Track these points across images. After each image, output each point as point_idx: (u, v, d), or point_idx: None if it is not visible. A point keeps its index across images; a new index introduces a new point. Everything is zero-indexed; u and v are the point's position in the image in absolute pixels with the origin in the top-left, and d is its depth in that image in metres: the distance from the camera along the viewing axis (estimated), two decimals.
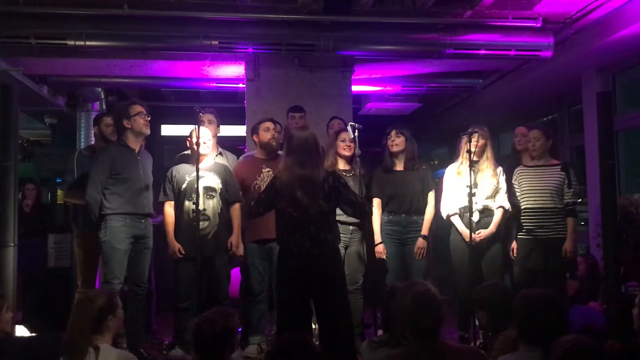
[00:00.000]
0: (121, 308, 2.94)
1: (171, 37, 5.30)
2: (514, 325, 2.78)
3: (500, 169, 4.76)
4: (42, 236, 5.88)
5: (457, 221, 4.68)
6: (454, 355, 2.53)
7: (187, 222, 4.48)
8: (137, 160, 4.47)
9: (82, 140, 7.38)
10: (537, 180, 4.67)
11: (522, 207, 4.68)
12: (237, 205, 4.62)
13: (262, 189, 4.62)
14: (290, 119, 5.50)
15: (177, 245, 4.49)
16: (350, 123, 4.69)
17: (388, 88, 7.25)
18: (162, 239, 4.61)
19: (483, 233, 4.62)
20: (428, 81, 7.12)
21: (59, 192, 8.16)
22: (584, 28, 5.42)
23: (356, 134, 4.56)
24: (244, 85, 6.25)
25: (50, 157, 8.68)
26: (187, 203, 4.52)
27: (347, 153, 4.77)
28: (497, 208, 4.68)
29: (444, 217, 4.76)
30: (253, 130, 4.91)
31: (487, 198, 4.67)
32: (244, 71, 6.23)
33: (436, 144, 10.64)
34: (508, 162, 5.20)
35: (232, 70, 6.43)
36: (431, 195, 4.81)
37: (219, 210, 4.55)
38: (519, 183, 4.74)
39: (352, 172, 4.67)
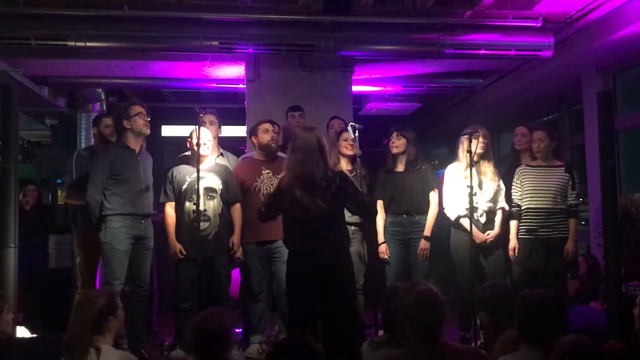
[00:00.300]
0: (122, 309, 2.94)
1: (171, 38, 5.30)
2: (514, 326, 2.78)
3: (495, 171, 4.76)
4: (43, 237, 5.88)
5: (467, 223, 4.58)
6: (455, 355, 2.53)
7: (188, 223, 4.48)
8: (137, 160, 4.47)
9: (83, 141, 7.38)
10: (540, 180, 4.66)
11: (524, 207, 4.67)
12: (237, 206, 4.62)
13: (262, 190, 4.65)
14: (290, 119, 5.50)
15: (178, 246, 4.49)
16: (350, 123, 4.69)
17: (388, 88, 7.25)
18: (164, 239, 4.61)
19: (492, 234, 4.63)
20: (428, 81, 7.12)
21: (60, 192, 8.17)
22: (584, 28, 5.42)
23: (357, 134, 4.56)
24: (244, 86, 6.26)
25: (51, 158, 8.68)
26: (187, 204, 4.52)
27: (349, 152, 4.77)
28: (499, 209, 4.69)
29: (452, 219, 4.72)
30: (252, 132, 4.91)
31: (491, 199, 4.68)
32: (244, 72, 6.23)
33: (436, 144, 10.64)
34: (508, 162, 5.20)
35: (232, 71, 6.44)
36: (433, 196, 4.81)
37: (220, 211, 4.55)
38: (521, 182, 4.73)
39: (354, 173, 4.67)
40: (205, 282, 4.50)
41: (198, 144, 4.36)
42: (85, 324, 2.75)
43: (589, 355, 2.28)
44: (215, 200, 4.55)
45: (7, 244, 3.94)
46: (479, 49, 5.51)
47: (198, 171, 4.26)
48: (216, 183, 4.57)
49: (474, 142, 4.45)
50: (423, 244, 4.72)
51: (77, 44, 5.12)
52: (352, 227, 4.66)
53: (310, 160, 3.59)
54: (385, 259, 4.78)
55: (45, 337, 3.69)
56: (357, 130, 4.54)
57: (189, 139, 4.68)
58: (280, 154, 4.85)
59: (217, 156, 4.89)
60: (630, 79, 6.31)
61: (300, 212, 3.56)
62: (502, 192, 4.71)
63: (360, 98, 7.66)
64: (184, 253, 4.47)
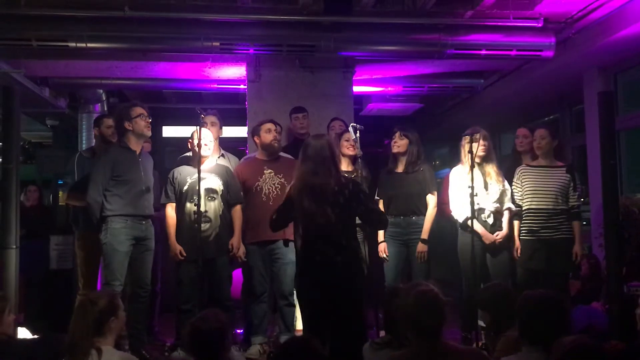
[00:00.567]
0: (123, 309, 2.94)
1: (172, 39, 5.29)
2: (516, 326, 2.78)
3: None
4: (44, 238, 5.88)
5: (475, 225, 4.55)
6: (456, 356, 2.53)
7: (189, 224, 4.49)
8: (138, 162, 4.47)
9: (84, 141, 7.38)
10: (541, 180, 4.66)
11: (525, 208, 4.67)
12: (238, 207, 4.63)
13: (264, 190, 4.65)
14: (294, 120, 5.50)
15: (179, 247, 4.49)
16: (351, 124, 4.68)
17: (389, 88, 7.24)
18: (167, 239, 4.61)
19: (501, 234, 4.63)
20: (429, 81, 7.11)
21: (61, 193, 8.16)
22: (585, 28, 5.41)
23: (357, 134, 4.56)
24: (245, 87, 6.25)
25: (52, 158, 8.66)
26: (188, 205, 4.52)
27: (350, 153, 4.78)
28: (505, 209, 4.69)
29: (460, 222, 4.71)
30: (254, 132, 4.91)
31: (498, 199, 4.67)
32: (245, 72, 6.23)
33: (438, 145, 10.64)
34: (508, 162, 5.19)
35: (233, 72, 6.44)
36: (431, 198, 4.79)
37: (221, 212, 4.56)
38: (521, 182, 4.72)
39: (355, 174, 4.66)
40: (206, 283, 4.50)
41: (199, 145, 4.36)
42: (86, 325, 2.76)
43: (591, 355, 2.28)
44: (216, 201, 4.55)
45: (8, 244, 3.95)
46: (480, 49, 5.50)
47: (199, 172, 4.26)
48: (217, 184, 4.57)
49: (475, 144, 4.45)
50: (420, 247, 4.72)
51: (78, 44, 5.11)
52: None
53: (322, 169, 3.55)
54: (384, 258, 4.79)
55: (46, 338, 3.68)
56: (358, 131, 4.54)
57: (190, 140, 4.69)
58: (282, 154, 4.86)
59: (218, 157, 4.89)
60: (632, 78, 6.30)
61: (309, 221, 3.55)
62: (508, 193, 4.71)
63: (361, 98, 7.65)
64: (185, 254, 4.47)
